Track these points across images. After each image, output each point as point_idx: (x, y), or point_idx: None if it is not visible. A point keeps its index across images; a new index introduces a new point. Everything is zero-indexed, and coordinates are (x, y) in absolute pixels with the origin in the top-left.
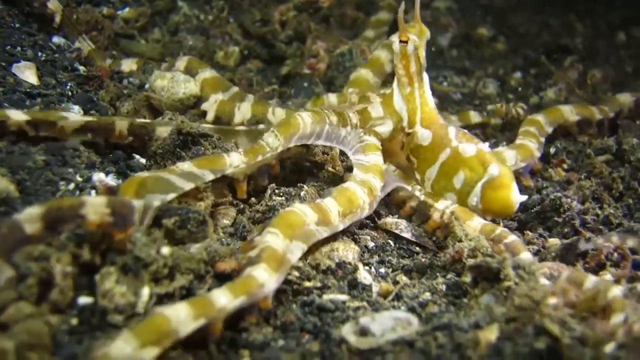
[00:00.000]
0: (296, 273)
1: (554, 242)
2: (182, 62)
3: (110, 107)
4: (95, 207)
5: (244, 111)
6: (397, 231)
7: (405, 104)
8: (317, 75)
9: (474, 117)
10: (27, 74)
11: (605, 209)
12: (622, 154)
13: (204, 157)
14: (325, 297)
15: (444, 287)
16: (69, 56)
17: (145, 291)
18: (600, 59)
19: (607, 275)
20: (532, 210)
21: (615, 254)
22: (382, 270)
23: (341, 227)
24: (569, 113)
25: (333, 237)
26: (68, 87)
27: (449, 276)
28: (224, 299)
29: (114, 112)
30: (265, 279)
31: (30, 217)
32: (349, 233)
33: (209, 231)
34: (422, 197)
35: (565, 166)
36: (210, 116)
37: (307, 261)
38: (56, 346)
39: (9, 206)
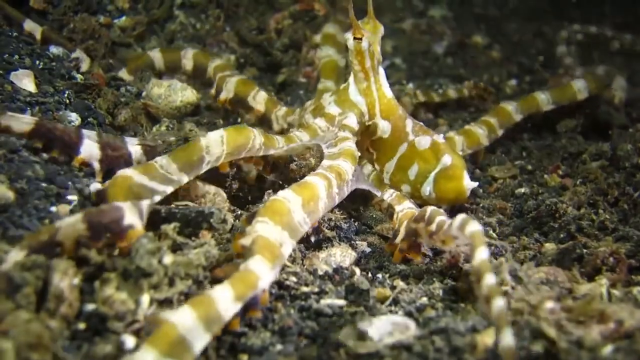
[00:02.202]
0: (294, 278)
1: (550, 247)
2: (188, 60)
3: (108, 115)
4: (69, 228)
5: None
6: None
7: (362, 97)
8: (313, 84)
9: (452, 93)
10: (25, 81)
11: (600, 214)
12: (617, 160)
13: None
14: (323, 302)
15: (440, 292)
16: (67, 65)
17: (146, 298)
18: (594, 66)
19: (604, 280)
20: (528, 216)
21: (611, 259)
22: (379, 275)
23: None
24: (545, 102)
25: (330, 243)
26: (66, 95)
27: (445, 281)
28: (227, 294)
29: (111, 120)
30: (262, 270)
31: (15, 263)
32: (346, 239)
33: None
34: (387, 199)
35: (560, 172)
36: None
37: (305, 266)
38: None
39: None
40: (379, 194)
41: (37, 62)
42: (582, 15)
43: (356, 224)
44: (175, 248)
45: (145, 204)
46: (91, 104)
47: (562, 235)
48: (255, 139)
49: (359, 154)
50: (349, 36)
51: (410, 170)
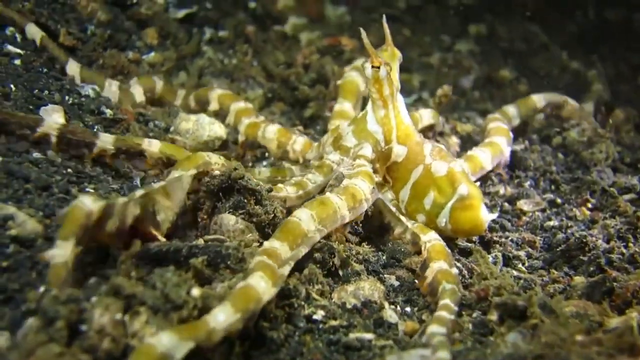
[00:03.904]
0: (322, 312)
1: (580, 280)
2: (214, 101)
3: None
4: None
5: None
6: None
7: (380, 126)
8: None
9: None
10: (55, 117)
11: (630, 247)
12: None
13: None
14: (352, 335)
15: (470, 326)
16: (97, 101)
17: None
18: (622, 99)
19: (634, 313)
20: (558, 249)
21: None
22: (408, 309)
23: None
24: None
25: (358, 276)
26: (95, 130)
27: (474, 314)
28: (222, 315)
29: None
30: (263, 287)
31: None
32: (374, 272)
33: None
34: (410, 227)
35: (589, 205)
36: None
37: (333, 300)
38: None
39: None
40: (402, 219)
41: (67, 97)
42: (609, 51)
43: (384, 257)
44: (203, 282)
45: None
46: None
47: (591, 269)
48: None
49: (377, 178)
50: (367, 65)
51: (425, 199)
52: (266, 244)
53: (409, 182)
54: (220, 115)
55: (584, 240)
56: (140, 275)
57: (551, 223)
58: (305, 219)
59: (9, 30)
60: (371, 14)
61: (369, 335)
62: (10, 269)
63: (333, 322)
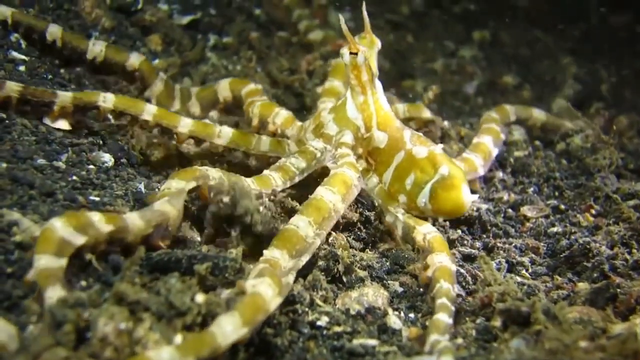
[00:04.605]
0: (326, 318)
1: (584, 286)
2: (224, 89)
3: (141, 155)
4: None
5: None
6: None
7: (359, 112)
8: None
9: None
10: (59, 123)
11: (634, 253)
12: None
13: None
14: (356, 341)
15: (473, 332)
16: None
17: (179, 339)
18: (626, 105)
19: (638, 320)
20: (561, 255)
21: None
22: (412, 315)
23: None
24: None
25: (362, 282)
26: (99, 136)
27: (478, 321)
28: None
29: (142, 160)
30: (270, 295)
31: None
32: (378, 278)
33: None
34: (402, 219)
35: (593, 211)
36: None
37: (337, 306)
38: None
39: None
40: (391, 209)
41: None
42: (613, 57)
43: (388, 263)
44: (207, 289)
45: None
46: (124, 145)
47: (595, 275)
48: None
49: (360, 167)
50: (345, 51)
51: (407, 180)
52: (266, 253)
53: (391, 165)
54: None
55: (588, 246)
56: (144, 282)
57: (555, 229)
58: (302, 225)
59: (14, 37)
60: (375, 20)
61: (372, 342)
62: (14, 275)
63: (337, 328)
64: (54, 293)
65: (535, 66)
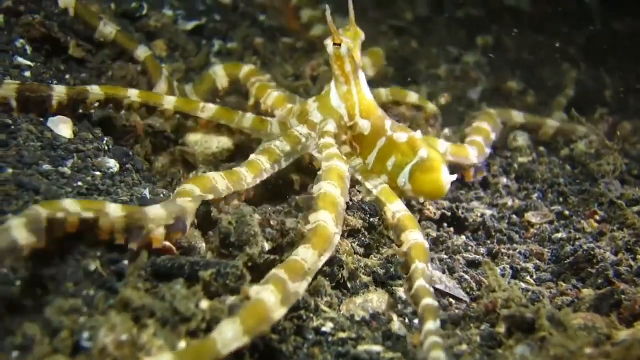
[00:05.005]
0: (331, 324)
1: (588, 292)
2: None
3: (146, 161)
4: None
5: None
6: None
7: (343, 102)
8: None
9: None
10: (62, 127)
11: (639, 260)
12: None
13: None
14: (360, 348)
15: (478, 338)
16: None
17: (183, 345)
18: (630, 111)
19: None
20: (566, 262)
21: None
22: (417, 321)
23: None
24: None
25: (367, 288)
26: (105, 142)
27: (483, 327)
28: (231, 333)
29: (149, 166)
30: (273, 301)
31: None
32: (383, 284)
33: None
34: (375, 193)
35: (597, 217)
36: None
37: (342, 312)
38: None
39: None
40: (366, 185)
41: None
42: (617, 62)
43: (392, 269)
44: (211, 295)
45: None
46: (129, 150)
47: (599, 281)
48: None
49: (344, 152)
50: (329, 42)
51: (388, 162)
52: (299, 251)
53: (374, 149)
54: None
55: (592, 252)
56: (147, 288)
57: (559, 235)
58: (330, 223)
59: (19, 43)
60: (379, 26)
61: (377, 348)
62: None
63: (342, 335)
64: None
65: (539, 72)
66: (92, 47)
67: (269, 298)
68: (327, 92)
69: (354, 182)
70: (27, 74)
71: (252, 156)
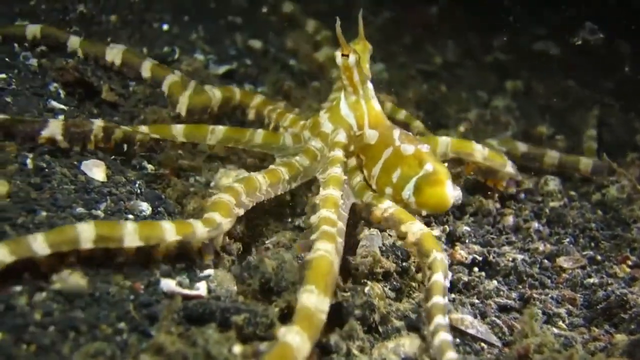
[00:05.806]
0: None
1: (621, 338)
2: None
3: (177, 204)
4: None
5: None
6: (462, 327)
7: (352, 111)
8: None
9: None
10: (95, 171)
11: None
12: None
13: None
14: None
15: None
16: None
17: None
18: None
19: None
20: (598, 307)
21: None
22: None
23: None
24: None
25: (398, 332)
26: (137, 185)
27: None
28: None
29: (180, 210)
30: (299, 342)
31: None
32: (414, 328)
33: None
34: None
35: (629, 263)
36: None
37: (374, 356)
38: None
39: None
40: (358, 202)
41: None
42: None
43: (424, 313)
44: (244, 340)
45: None
46: (161, 193)
47: (632, 327)
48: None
49: (345, 177)
50: (338, 53)
51: (393, 174)
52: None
53: (380, 160)
54: None
55: (625, 298)
56: (180, 332)
57: (591, 280)
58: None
59: (53, 87)
60: (408, 70)
61: None
62: None
63: None
64: None
65: (569, 116)
66: (125, 92)
67: (294, 339)
68: (337, 102)
69: (365, 208)
70: (61, 117)
71: (272, 166)
